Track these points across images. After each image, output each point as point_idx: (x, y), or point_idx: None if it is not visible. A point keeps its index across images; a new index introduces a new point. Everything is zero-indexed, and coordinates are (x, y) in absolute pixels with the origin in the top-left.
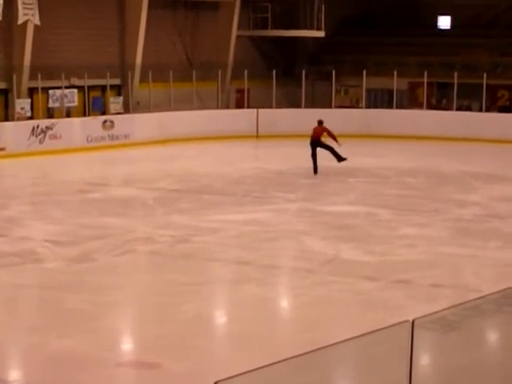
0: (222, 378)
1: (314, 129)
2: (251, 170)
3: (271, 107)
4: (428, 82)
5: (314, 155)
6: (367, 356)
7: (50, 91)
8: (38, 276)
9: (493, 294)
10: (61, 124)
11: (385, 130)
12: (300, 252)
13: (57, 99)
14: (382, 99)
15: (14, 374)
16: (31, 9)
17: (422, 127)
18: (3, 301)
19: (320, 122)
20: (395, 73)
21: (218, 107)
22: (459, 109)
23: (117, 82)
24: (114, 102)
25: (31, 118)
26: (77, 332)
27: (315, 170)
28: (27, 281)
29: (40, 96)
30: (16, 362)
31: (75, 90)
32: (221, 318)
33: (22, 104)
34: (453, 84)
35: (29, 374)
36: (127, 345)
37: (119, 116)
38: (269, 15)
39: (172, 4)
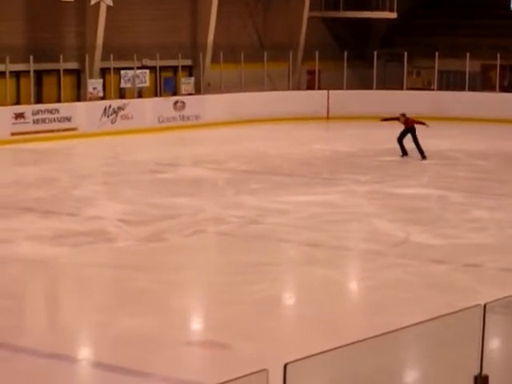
0: (292, 359)
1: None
2: (321, 152)
3: (342, 89)
4: (501, 65)
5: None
6: (437, 340)
7: (122, 72)
8: (109, 255)
9: None
10: (132, 104)
11: (457, 113)
12: (369, 234)
13: (129, 80)
14: (454, 81)
15: (84, 353)
16: None
17: (495, 110)
18: (74, 280)
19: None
20: (468, 55)
21: (288, 88)
22: None
23: (188, 62)
24: (186, 83)
25: (103, 98)
26: (146, 311)
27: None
28: (98, 260)
29: (112, 76)
30: (85, 340)
31: (147, 71)
32: (289, 299)
33: (94, 84)
34: None
35: (98, 353)
36: (196, 324)
37: (190, 97)
38: None
39: None
